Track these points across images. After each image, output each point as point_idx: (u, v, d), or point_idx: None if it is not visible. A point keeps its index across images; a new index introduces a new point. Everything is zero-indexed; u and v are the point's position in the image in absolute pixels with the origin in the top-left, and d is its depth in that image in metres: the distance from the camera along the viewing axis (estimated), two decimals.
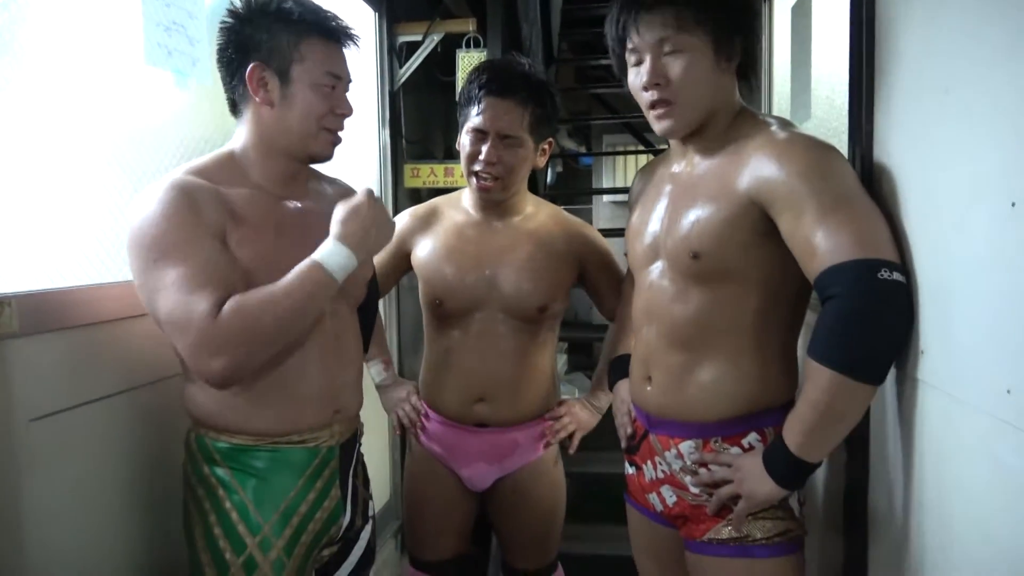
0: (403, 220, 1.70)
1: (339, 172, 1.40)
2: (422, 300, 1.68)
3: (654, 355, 1.24)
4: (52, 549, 1.06)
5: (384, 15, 2.53)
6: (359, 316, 1.33)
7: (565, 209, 1.78)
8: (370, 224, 1.13)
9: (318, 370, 1.18)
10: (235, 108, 1.19)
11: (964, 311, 0.87)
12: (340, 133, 1.21)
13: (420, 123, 2.87)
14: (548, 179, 5.07)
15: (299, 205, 1.20)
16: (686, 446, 1.21)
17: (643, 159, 5.32)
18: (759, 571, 1.15)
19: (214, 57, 1.18)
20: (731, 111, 1.20)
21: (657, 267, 1.24)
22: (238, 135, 1.19)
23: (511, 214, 1.64)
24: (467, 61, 2.55)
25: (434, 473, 1.70)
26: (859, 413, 1.04)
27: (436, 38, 2.54)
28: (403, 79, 2.58)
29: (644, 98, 1.18)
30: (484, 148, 1.53)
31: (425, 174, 2.68)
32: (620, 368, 1.45)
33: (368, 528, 1.35)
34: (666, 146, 1.34)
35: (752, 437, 1.17)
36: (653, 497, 1.29)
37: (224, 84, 1.18)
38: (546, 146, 1.63)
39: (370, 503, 1.37)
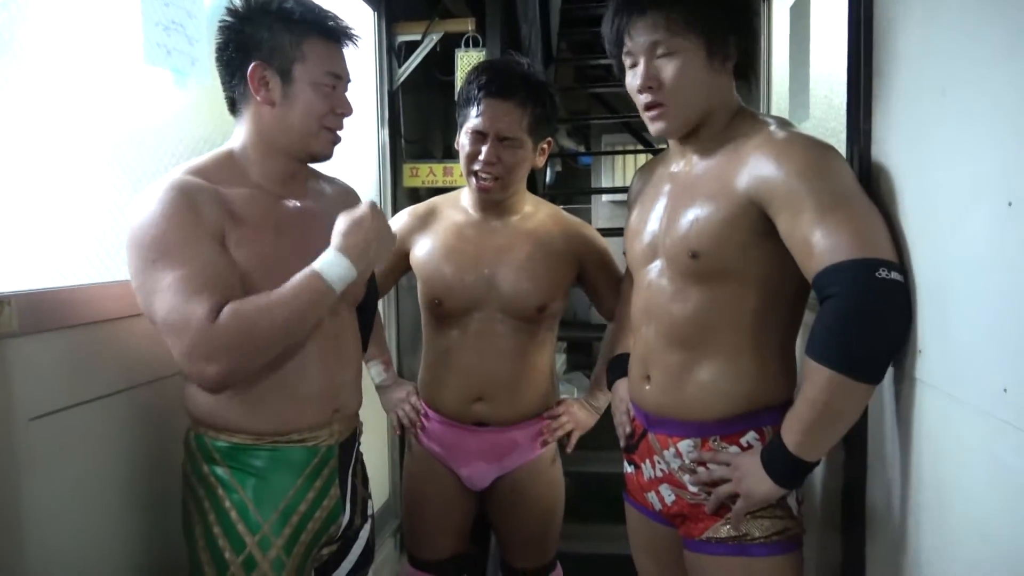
0: (402, 219, 1.71)
1: (338, 171, 1.40)
2: (421, 300, 1.68)
3: (653, 354, 1.25)
4: (52, 548, 1.06)
5: (383, 14, 2.53)
6: (358, 316, 1.33)
7: (564, 208, 1.79)
8: (372, 237, 1.13)
9: (317, 369, 1.19)
10: (234, 107, 1.19)
11: (962, 310, 0.88)
12: (340, 132, 1.21)
13: (419, 122, 2.87)
14: (547, 178, 5.07)
15: (298, 204, 1.21)
16: (685, 445, 1.21)
17: (642, 159, 5.32)
18: (757, 570, 1.16)
19: (213, 56, 1.18)
20: (729, 111, 1.20)
21: (656, 266, 1.25)
22: (237, 134, 1.19)
23: (510, 213, 1.65)
24: (466, 61, 2.55)
25: (433, 472, 1.71)
26: (857, 412, 1.04)
27: (435, 37, 2.54)
28: (402, 78, 2.58)
29: (639, 100, 1.19)
30: (483, 149, 1.53)
31: (424, 173, 2.68)
32: (619, 367, 1.45)
33: (367, 527, 1.35)
34: (665, 146, 1.34)
35: (750, 436, 1.17)
36: (652, 496, 1.29)
37: (223, 83, 1.18)
38: (545, 145, 1.63)
39: (369, 502, 1.37)
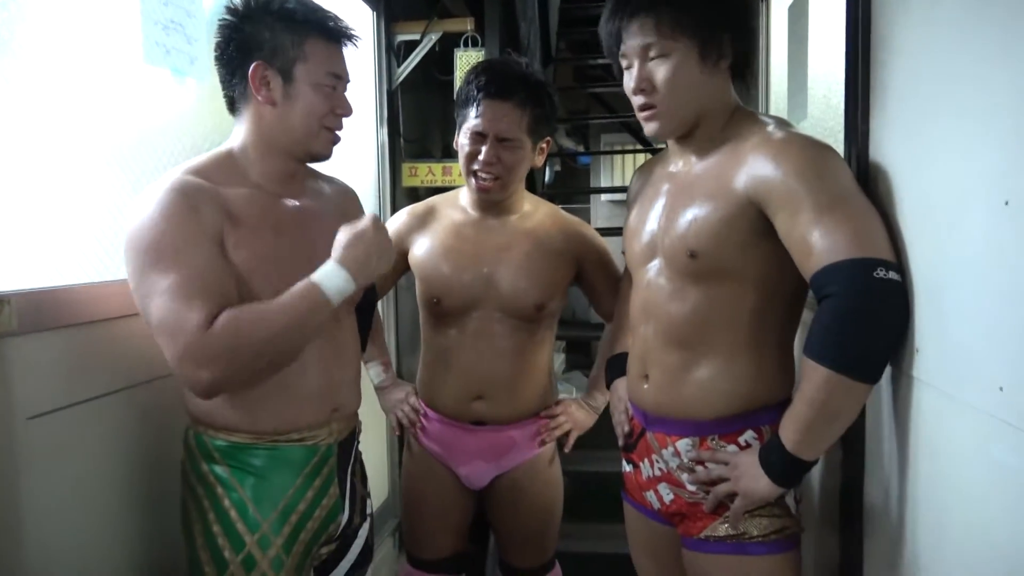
0: (401, 219, 1.71)
1: (337, 171, 1.40)
2: (419, 299, 1.68)
3: (651, 353, 1.25)
4: (50, 547, 1.06)
5: (382, 14, 2.53)
6: (357, 316, 1.33)
7: (563, 208, 1.79)
8: (373, 251, 1.12)
9: (317, 369, 1.19)
10: (233, 106, 1.19)
11: (959, 309, 0.88)
12: (339, 132, 1.21)
13: (418, 122, 2.87)
14: (546, 178, 5.07)
15: (297, 204, 1.21)
16: (683, 444, 1.22)
17: (641, 158, 5.33)
18: (755, 568, 1.16)
19: (213, 55, 1.18)
20: (726, 111, 1.20)
21: (654, 266, 1.25)
22: (236, 133, 1.19)
23: (508, 213, 1.65)
24: (465, 60, 2.55)
25: (432, 472, 1.71)
26: (855, 411, 1.04)
27: (434, 37, 2.54)
28: (401, 78, 2.58)
29: (634, 102, 1.20)
30: (483, 149, 1.54)
31: (423, 173, 2.68)
32: (617, 366, 1.46)
33: (366, 526, 1.35)
34: (664, 145, 1.35)
35: (749, 435, 1.18)
36: (650, 495, 1.29)
37: (223, 82, 1.18)
38: (544, 145, 1.63)
39: (368, 501, 1.37)
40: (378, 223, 1.15)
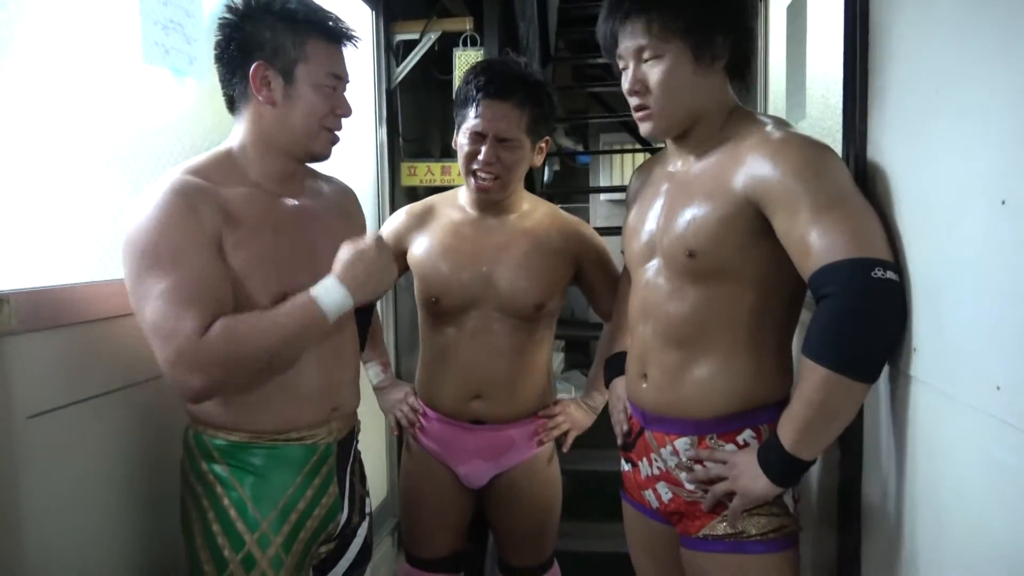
0: (399, 218, 1.71)
1: (336, 170, 1.40)
2: (418, 298, 1.68)
3: (650, 352, 1.25)
4: (50, 546, 1.06)
5: (381, 13, 2.53)
6: (356, 315, 1.33)
7: (562, 207, 1.78)
8: (374, 270, 1.13)
9: (316, 368, 1.19)
10: (233, 106, 1.19)
11: (956, 309, 0.88)
12: (338, 132, 1.21)
13: (417, 121, 2.87)
14: (545, 177, 5.07)
15: (297, 203, 1.21)
16: (681, 443, 1.22)
17: (640, 158, 5.33)
18: (754, 567, 1.16)
19: (213, 55, 1.18)
20: (723, 110, 1.21)
21: (653, 265, 1.25)
22: (236, 133, 1.19)
23: (507, 212, 1.65)
24: (464, 60, 2.55)
25: (431, 471, 1.71)
26: (853, 411, 1.05)
27: (433, 36, 2.54)
28: (400, 77, 2.59)
29: (630, 102, 1.21)
30: (482, 149, 1.54)
31: (422, 172, 2.68)
32: (616, 365, 1.46)
33: (365, 525, 1.35)
34: (663, 145, 1.35)
35: (747, 434, 1.18)
36: (649, 494, 1.30)
37: (223, 82, 1.18)
38: (543, 144, 1.63)
39: (367, 500, 1.37)
40: (381, 243, 1.15)
